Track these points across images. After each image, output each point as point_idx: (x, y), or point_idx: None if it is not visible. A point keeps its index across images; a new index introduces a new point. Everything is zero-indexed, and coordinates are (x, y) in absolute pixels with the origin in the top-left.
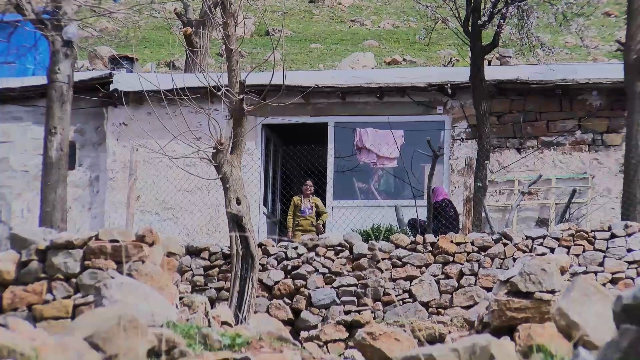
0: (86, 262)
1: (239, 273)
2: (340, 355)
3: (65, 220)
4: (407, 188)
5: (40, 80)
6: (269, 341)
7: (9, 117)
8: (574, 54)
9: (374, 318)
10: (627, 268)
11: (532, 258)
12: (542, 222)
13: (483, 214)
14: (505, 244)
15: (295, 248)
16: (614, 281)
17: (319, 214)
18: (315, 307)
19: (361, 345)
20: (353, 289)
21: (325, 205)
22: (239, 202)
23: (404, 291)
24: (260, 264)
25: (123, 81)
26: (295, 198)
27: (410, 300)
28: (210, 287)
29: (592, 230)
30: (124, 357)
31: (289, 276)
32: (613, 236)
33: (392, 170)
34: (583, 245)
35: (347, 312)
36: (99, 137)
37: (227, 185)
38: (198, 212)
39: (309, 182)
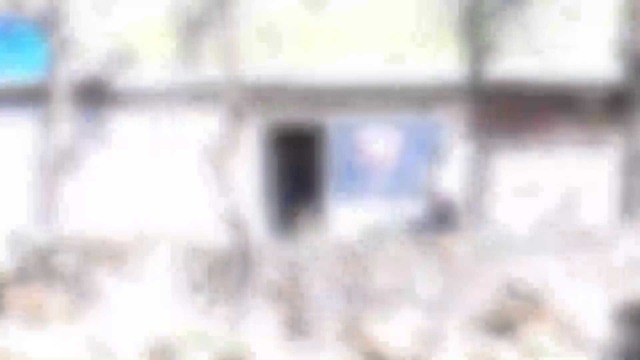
0: (86, 262)
1: (238, 273)
2: (339, 355)
3: (65, 220)
4: (406, 188)
5: (40, 80)
6: (267, 341)
7: (7, 117)
8: (573, 54)
9: (373, 318)
10: (627, 268)
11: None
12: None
13: (482, 214)
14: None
15: (295, 248)
16: (613, 281)
17: None
18: (315, 307)
19: (360, 345)
20: (352, 289)
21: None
22: (238, 202)
23: (404, 291)
24: (259, 264)
25: (122, 81)
26: None
27: (410, 300)
28: (209, 288)
29: (591, 231)
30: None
31: (288, 276)
32: (612, 236)
33: (392, 170)
34: (582, 246)
35: (346, 313)
36: (99, 137)
37: (227, 185)
38: (197, 212)
39: None
